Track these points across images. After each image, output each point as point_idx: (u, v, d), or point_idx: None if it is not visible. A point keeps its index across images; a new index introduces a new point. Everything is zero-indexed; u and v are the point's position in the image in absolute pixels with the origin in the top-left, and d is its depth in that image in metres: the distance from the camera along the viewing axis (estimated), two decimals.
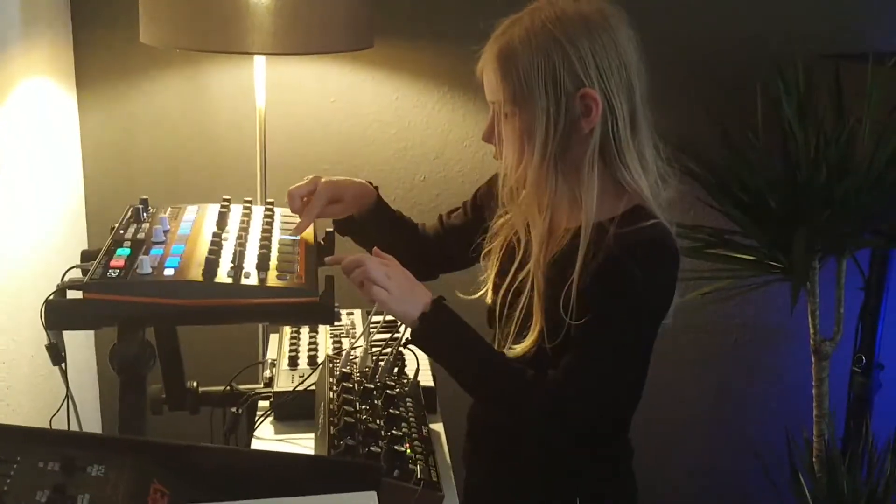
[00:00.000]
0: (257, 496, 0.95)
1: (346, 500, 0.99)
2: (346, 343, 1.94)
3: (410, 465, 1.50)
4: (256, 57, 2.23)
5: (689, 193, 2.36)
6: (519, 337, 1.61)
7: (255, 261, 1.53)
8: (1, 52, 2.01)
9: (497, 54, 1.54)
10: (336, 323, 2.02)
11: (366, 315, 2.01)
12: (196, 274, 1.48)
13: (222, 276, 1.48)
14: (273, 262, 1.56)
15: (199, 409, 1.98)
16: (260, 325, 2.34)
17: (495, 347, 1.65)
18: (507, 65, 1.52)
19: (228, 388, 1.94)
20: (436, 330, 1.56)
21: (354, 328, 2.03)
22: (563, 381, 1.52)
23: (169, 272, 1.48)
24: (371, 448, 1.48)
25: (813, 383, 2.22)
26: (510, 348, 1.61)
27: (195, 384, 1.97)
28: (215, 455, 1.03)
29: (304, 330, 2.01)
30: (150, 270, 1.47)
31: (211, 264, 1.48)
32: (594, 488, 1.67)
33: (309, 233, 1.73)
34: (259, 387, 1.90)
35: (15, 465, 0.89)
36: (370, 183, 1.85)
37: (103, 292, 1.44)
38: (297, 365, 1.88)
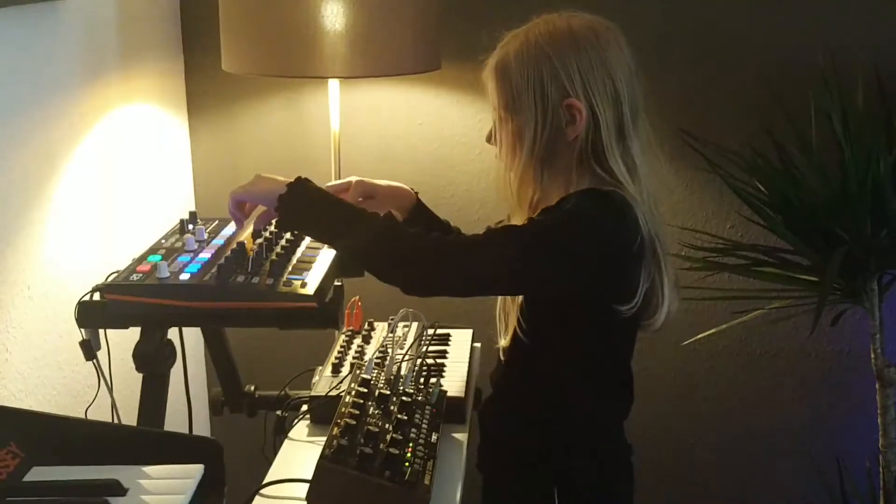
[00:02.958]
0: (105, 463, 1.05)
1: (172, 470, 1.07)
2: (391, 352, 2.01)
3: (405, 468, 1.56)
4: (330, 81, 2.35)
5: (738, 210, 2.32)
6: (505, 330, 1.75)
7: (268, 268, 1.63)
8: (97, 79, 2.22)
9: (495, 66, 1.69)
10: (389, 334, 2.12)
11: (422, 328, 2.08)
12: (208, 279, 1.59)
13: (233, 281, 1.59)
14: (287, 269, 1.66)
15: (255, 412, 2.11)
16: (336, 334, 2.44)
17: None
18: (502, 76, 1.67)
19: (282, 392, 2.06)
20: (303, 195, 1.63)
21: (405, 340, 2.10)
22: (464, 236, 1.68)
23: (184, 277, 1.60)
24: (364, 449, 1.55)
25: (878, 411, 2.11)
26: (503, 338, 1.75)
27: (253, 388, 2.10)
28: (80, 426, 1.13)
29: (357, 339, 2.10)
30: (167, 275, 1.59)
31: (223, 270, 1.60)
32: (591, 478, 1.75)
33: None
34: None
35: None
36: (413, 189, 1.97)
37: (122, 294, 1.58)
38: (339, 372, 1.96)
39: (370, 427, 1.62)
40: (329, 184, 1.92)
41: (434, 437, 1.69)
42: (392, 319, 2.17)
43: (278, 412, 1.97)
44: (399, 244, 1.61)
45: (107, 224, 2.22)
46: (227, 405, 2.08)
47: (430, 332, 2.06)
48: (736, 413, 2.69)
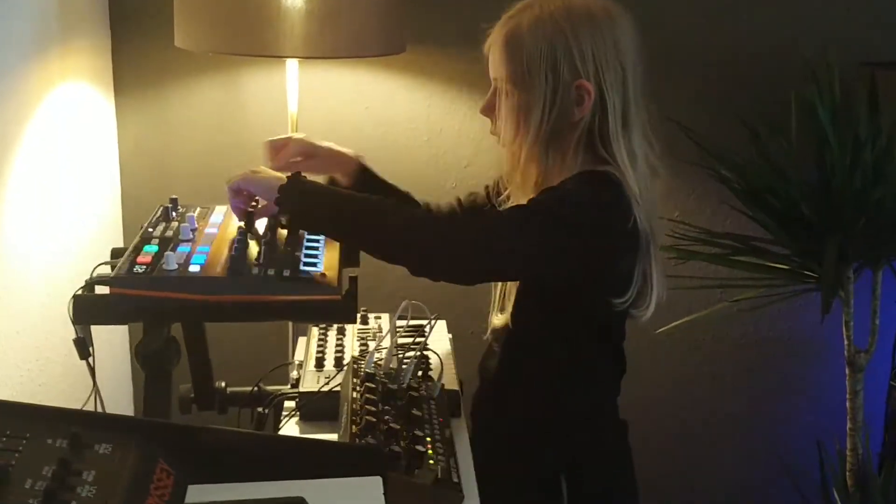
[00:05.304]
0: (262, 479, 0.95)
1: (351, 484, 0.99)
2: (372, 346, 1.94)
3: (431, 466, 1.50)
4: (289, 61, 2.25)
5: (718, 199, 2.35)
6: (503, 308, 1.74)
7: (280, 259, 1.54)
8: (40, 56, 2.05)
9: (505, 36, 1.61)
10: (363, 326, 2.06)
11: (393, 318, 2.02)
12: (221, 270, 1.49)
13: (246, 272, 1.49)
14: (298, 259, 1.57)
15: (227, 410, 1.99)
16: (290, 327, 2.35)
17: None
18: (512, 47, 1.60)
19: (256, 388, 1.96)
20: (303, 188, 1.57)
21: (381, 331, 2.03)
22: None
23: (194, 268, 1.49)
24: (392, 448, 1.48)
25: (847, 396, 2.18)
26: (496, 316, 1.74)
27: (224, 384, 1.99)
28: (222, 437, 1.04)
29: (332, 332, 2.02)
30: (175, 267, 1.48)
31: (235, 261, 1.50)
32: (586, 456, 1.75)
33: None
34: (286, 388, 1.91)
35: (24, 441, 0.90)
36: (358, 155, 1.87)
37: (129, 287, 1.45)
38: (323, 366, 1.88)
39: (391, 425, 1.55)
40: (269, 139, 1.80)
41: (447, 432, 1.65)
42: (364, 311, 2.11)
43: (259, 409, 1.87)
44: (416, 233, 1.56)
45: (50, 212, 2.06)
46: (196, 402, 1.96)
47: (404, 322, 2.00)
48: (686, 401, 2.73)
